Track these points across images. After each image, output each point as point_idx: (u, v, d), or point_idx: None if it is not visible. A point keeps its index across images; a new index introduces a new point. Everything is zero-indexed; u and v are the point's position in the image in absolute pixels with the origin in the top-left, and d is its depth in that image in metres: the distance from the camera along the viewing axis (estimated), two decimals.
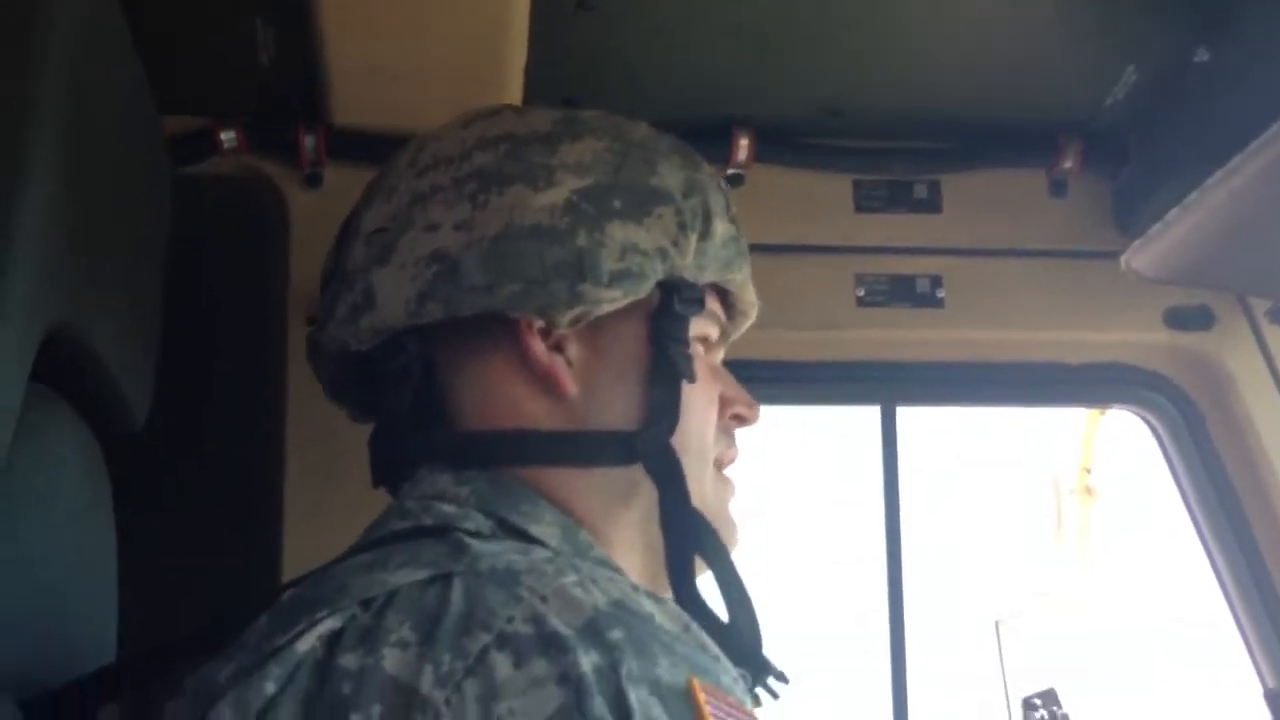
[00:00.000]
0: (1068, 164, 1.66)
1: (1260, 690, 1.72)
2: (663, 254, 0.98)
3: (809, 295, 1.64)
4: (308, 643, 0.76)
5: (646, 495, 0.97)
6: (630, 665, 0.72)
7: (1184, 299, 1.68)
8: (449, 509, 0.91)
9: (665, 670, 0.73)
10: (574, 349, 0.99)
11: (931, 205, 1.68)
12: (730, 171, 1.63)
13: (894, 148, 1.67)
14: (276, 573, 1.44)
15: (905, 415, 1.76)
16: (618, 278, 0.96)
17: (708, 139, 1.61)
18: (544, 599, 0.76)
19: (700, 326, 1.04)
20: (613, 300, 0.96)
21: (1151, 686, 9.36)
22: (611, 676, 0.71)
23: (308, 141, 1.52)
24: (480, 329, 0.97)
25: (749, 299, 1.11)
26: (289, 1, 1.29)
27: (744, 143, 1.61)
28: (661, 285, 1.00)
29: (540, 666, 0.72)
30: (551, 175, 0.98)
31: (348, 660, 0.74)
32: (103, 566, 1.11)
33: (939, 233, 1.68)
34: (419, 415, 0.99)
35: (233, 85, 1.50)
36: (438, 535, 0.87)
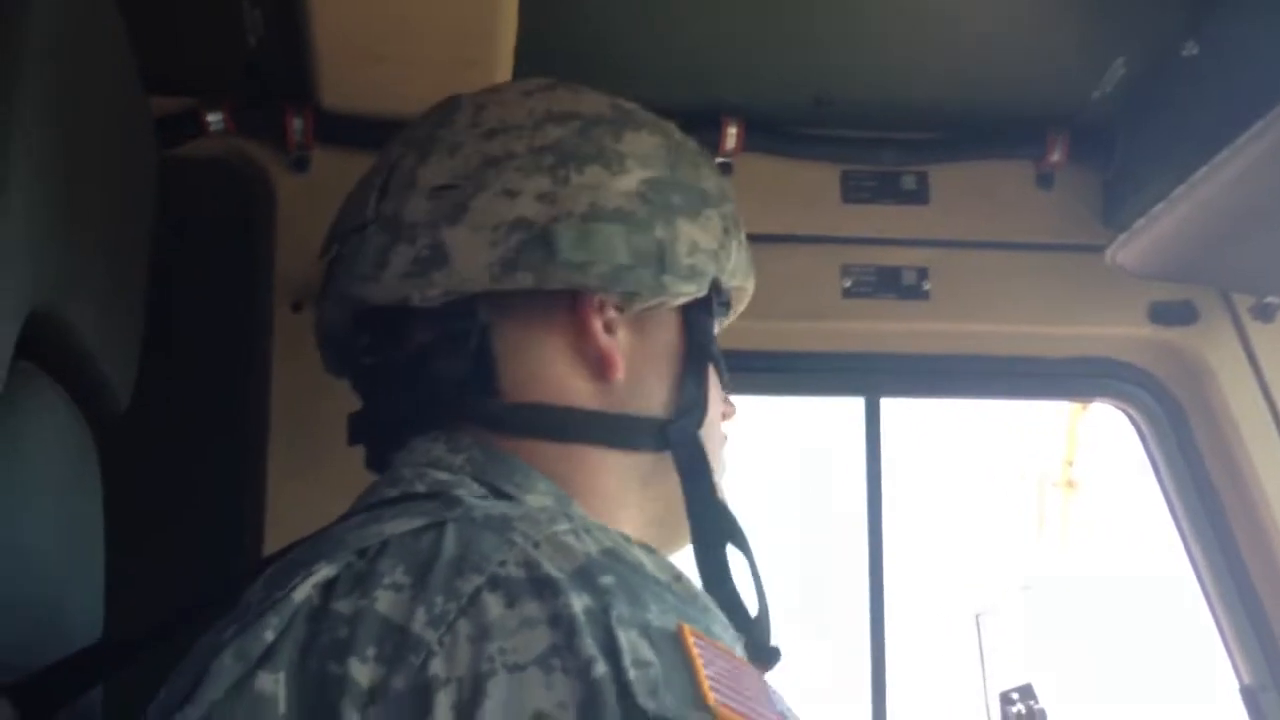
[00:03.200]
0: (1055, 157, 1.67)
1: (1237, 685, 1.73)
2: (714, 255, 1.03)
3: (795, 285, 1.64)
4: (303, 592, 0.76)
5: (663, 481, 1.00)
6: (621, 609, 0.72)
7: (1168, 294, 1.69)
8: (443, 476, 0.91)
9: (655, 615, 0.73)
10: (624, 335, 1.00)
11: (919, 197, 1.69)
12: (718, 160, 1.63)
13: (882, 138, 1.67)
14: (260, 554, 1.44)
15: (889, 407, 1.77)
16: (689, 274, 1.00)
17: (696, 127, 1.60)
18: (536, 544, 0.76)
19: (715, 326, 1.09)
20: (687, 294, 1.01)
21: (1132, 679, 9.42)
22: (602, 618, 0.72)
23: (295, 124, 1.51)
24: (548, 304, 0.98)
25: (739, 310, 1.17)
26: None
27: (732, 131, 1.61)
28: None
29: (532, 608, 0.72)
30: (623, 161, 1.00)
31: (342, 605, 0.74)
32: (90, 544, 1.11)
33: (926, 224, 1.68)
34: (470, 382, 0.98)
35: (220, 66, 1.49)
36: (431, 499, 0.87)
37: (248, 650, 0.73)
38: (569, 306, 0.98)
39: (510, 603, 0.72)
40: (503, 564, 0.75)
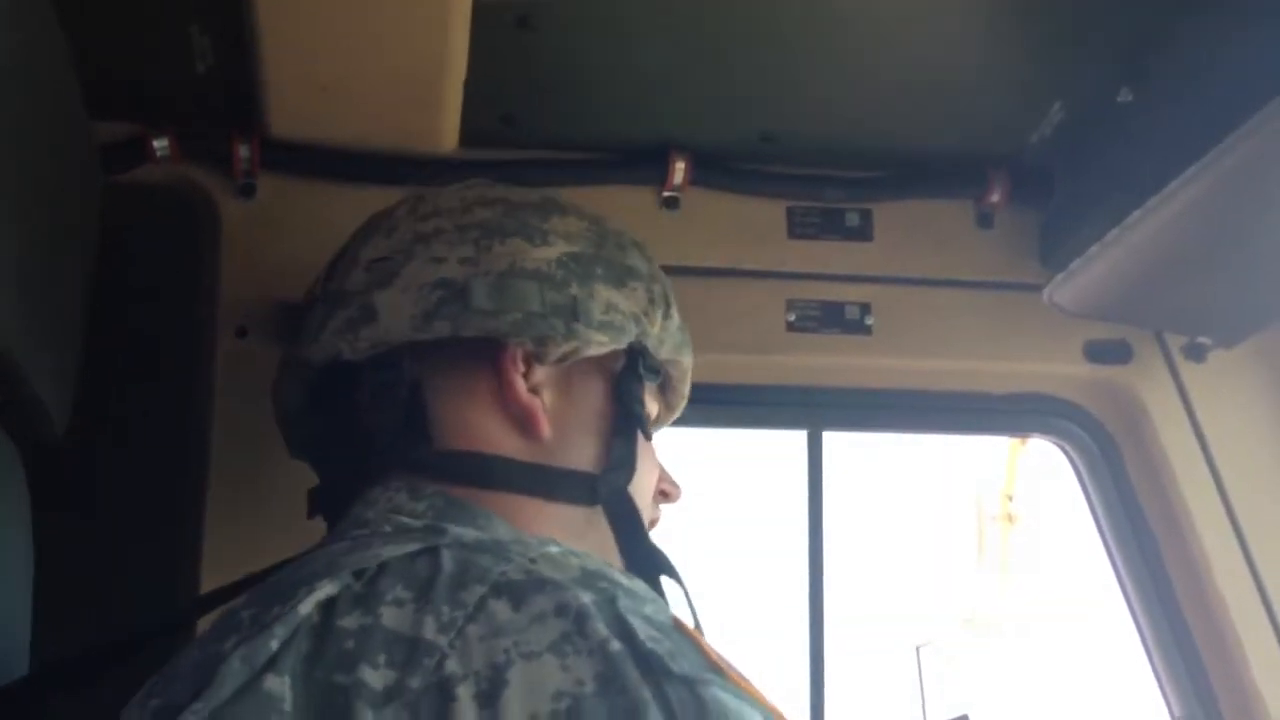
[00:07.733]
0: (995, 197, 1.69)
1: (1168, 718, 1.75)
2: (636, 319, 1.08)
3: (740, 319, 1.65)
4: (307, 606, 0.78)
5: (597, 535, 1.03)
6: (624, 601, 0.77)
7: (1104, 333, 1.72)
8: (407, 520, 0.93)
9: (652, 611, 0.79)
10: (548, 395, 1.05)
11: (863, 233, 1.71)
12: (666, 194, 1.64)
13: (827, 175, 1.69)
14: (195, 584, 1.42)
15: (831, 441, 1.78)
16: (603, 326, 1.05)
17: (645, 161, 1.62)
18: (533, 560, 0.81)
19: (648, 399, 1.13)
20: (600, 344, 1.05)
21: (1070, 712, 9.50)
22: (609, 607, 0.76)
23: (242, 151, 1.50)
24: (471, 358, 1.03)
25: (683, 392, 1.22)
26: (226, 9, 1.28)
27: (680, 166, 1.62)
28: (628, 349, 1.08)
29: (539, 603, 0.76)
30: (545, 236, 1.07)
31: (346, 621, 0.77)
32: (18, 575, 1.09)
33: (869, 261, 1.70)
34: (403, 430, 1.01)
35: (167, 93, 1.49)
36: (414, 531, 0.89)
37: (253, 657, 0.75)
38: (490, 360, 1.02)
39: (517, 605, 0.76)
40: (504, 573, 0.78)
